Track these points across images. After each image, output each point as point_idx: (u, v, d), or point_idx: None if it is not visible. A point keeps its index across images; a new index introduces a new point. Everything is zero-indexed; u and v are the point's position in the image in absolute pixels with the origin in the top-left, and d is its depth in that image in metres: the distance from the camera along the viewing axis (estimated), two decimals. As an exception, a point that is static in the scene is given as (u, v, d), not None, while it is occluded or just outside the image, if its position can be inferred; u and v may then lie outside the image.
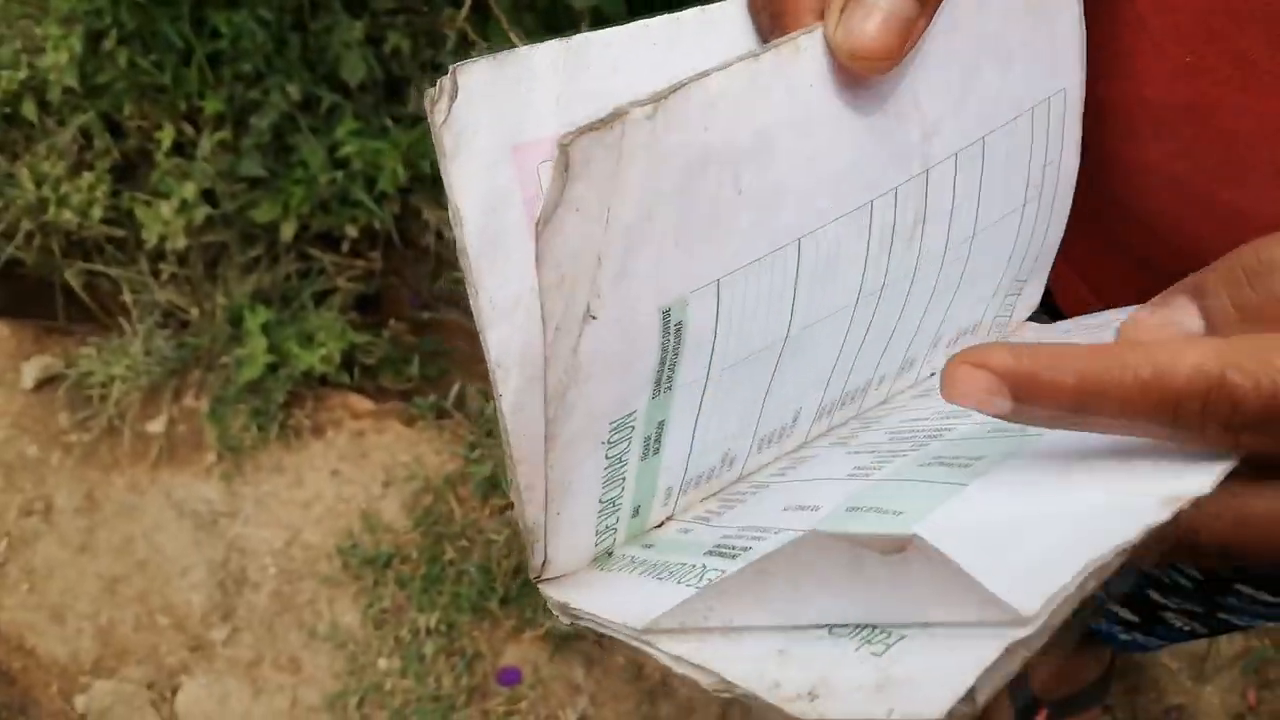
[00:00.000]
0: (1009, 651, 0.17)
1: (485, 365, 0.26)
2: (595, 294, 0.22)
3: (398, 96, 1.31)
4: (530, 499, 0.26)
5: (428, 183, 1.33)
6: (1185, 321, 0.22)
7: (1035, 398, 0.21)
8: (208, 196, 1.32)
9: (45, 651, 1.23)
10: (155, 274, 1.37)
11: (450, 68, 0.24)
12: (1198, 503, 0.19)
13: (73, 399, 1.34)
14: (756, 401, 0.30)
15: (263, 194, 1.32)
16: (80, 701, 1.21)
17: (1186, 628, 0.73)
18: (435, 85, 0.24)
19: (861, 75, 0.25)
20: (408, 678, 1.22)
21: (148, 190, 1.33)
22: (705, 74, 0.22)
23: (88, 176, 1.32)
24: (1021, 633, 0.17)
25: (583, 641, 1.24)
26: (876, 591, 0.20)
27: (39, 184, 1.31)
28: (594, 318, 0.22)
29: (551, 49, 0.25)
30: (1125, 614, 0.76)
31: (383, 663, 1.23)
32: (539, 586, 0.28)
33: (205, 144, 1.29)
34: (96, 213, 1.31)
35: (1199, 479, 0.19)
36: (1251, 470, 0.20)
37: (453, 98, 0.24)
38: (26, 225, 1.32)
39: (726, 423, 0.30)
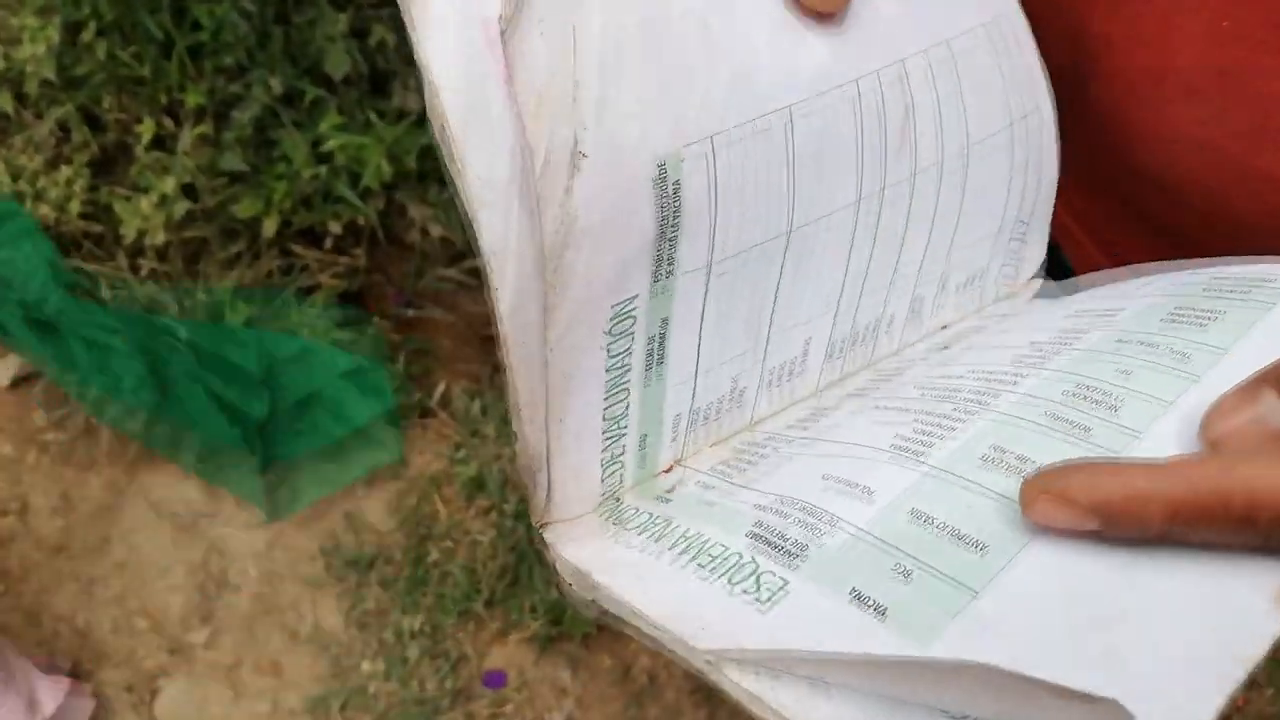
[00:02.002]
0: None
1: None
2: (581, 124, 0.21)
3: (382, 91, 1.29)
4: (532, 418, 0.24)
5: (413, 178, 1.32)
6: (1272, 418, 0.23)
7: (1122, 526, 0.21)
8: (188, 191, 1.30)
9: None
10: (134, 269, 1.34)
11: None
12: None
13: (49, 397, 1.32)
14: (763, 314, 0.29)
15: (244, 189, 1.30)
16: (56, 705, 1.18)
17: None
18: None
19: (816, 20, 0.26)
20: (391, 681, 1.21)
21: (127, 184, 1.31)
22: None
23: (65, 170, 1.30)
24: None
25: (569, 643, 1.22)
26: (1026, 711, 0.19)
27: (15, 178, 1.29)
28: (584, 155, 0.21)
29: None
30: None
31: (366, 665, 1.22)
32: (544, 534, 0.26)
33: (185, 138, 1.27)
34: (74, 207, 1.29)
35: None
36: None
37: None
38: (2, 220, 1.30)
39: (732, 337, 0.29)
